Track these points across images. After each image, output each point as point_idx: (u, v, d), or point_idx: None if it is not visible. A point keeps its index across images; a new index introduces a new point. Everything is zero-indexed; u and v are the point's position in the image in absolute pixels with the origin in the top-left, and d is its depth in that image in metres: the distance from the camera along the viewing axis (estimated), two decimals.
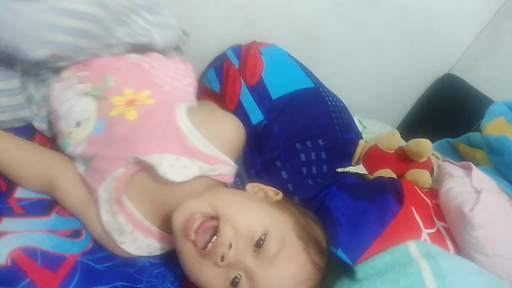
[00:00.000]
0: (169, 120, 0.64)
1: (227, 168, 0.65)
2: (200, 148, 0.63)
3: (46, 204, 0.65)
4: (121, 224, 0.61)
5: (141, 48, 0.78)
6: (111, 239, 0.62)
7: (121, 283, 0.59)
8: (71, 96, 0.69)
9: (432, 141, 1.09)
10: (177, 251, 0.59)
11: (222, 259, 0.53)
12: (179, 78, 0.77)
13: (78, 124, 0.67)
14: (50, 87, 0.73)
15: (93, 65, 0.73)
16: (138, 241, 0.62)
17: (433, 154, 0.98)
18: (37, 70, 0.71)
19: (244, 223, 0.55)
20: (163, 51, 0.82)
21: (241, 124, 0.69)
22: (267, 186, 0.68)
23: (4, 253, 0.53)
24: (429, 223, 0.73)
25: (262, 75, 0.93)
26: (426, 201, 0.77)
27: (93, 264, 0.59)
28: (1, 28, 0.61)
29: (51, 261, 0.55)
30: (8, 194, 0.63)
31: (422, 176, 0.83)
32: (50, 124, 0.75)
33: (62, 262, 0.56)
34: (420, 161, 0.87)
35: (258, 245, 0.54)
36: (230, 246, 0.53)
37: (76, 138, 0.66)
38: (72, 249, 0.59)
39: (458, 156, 1.03)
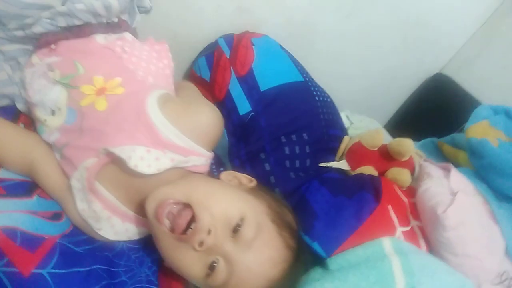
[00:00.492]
0: (140, 112, 0.63)
1: (201, 159, 0.65)
2: (172, 139, 0.62)
3: (28, 186, 0.66)
4: (97, 212, 0.62)
5: (109, 22, 0.74)
6: (89, 226, 0.63)
7: (99, 266, 0.60)
8: (43, 84, 0.68)
9: (419, 140, 1.12)
10: (154, 237, 0.60)
11: (201, 244, 0.54)
12: (154, 62, 0.75)
13: (52, 112, 0.67)
14: (23, 73, 0.72)
15: (60, 50, 0.71)
16: (116, 227, 0.64)
17: (417, 153, 0.99)
18: (8, 46, 0.70)
19: (220, 209, 0.57)
20: (128, 14, 0.78)
21: (219, 114, 0.68)
22: (240, 174, 0.69)
23: None
24: (404, 222, 0.75)
25: (252, 66, 0.93)
26: (403, 200, 0.79)
27: (72, 247, 0.60)
28: None
29: (31, 241, 0.57)
30: None
31: (402, 175, 0.84)
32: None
33: (41, 243, 0.57)
34: (402, 160, 0.88)
35: (235, 230, 0.56)
36: (209, 232, 0.55)
37: (50, 126, 0.67)
38: (52, 231, 0.61)
39: (442, 156, 1.05)
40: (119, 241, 0.66)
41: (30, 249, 0.56)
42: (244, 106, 0.89)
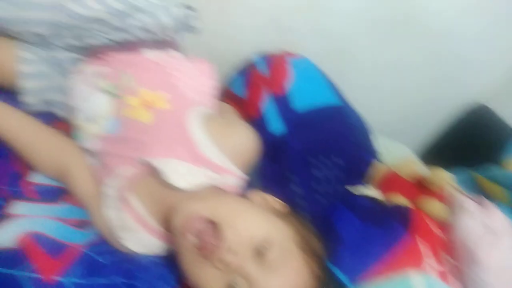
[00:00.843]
0: (182, 127, 0.64)
1: (235, 179, 0.65)
2: (209, 157, 0.63)
3: (58, 192, 0.67)
4: (125, 221, 0.62)
5: (156, 38, 0.77)
6: (115, 235, 0.63)
7: (120, 278, 0.59)
8: (89, 91, 0.70)
9: (453, 172, 1.07)
10: (177, 252, 0.60)
11: (222, 262, 0.54)
12: (199, 80, 0.77)
13: (92, 119, 0.68)
14: (70, 80, 0.74)
15: (111, 61, 0.73)
16: (142, 239, 0.63)
17: (451, 185, 0.95)
18: (62, 53, 0.73)
19: (245, 229, 0.56)
20: (176, 33, 0.80)
21: (256, 137, 0.68)
22: (270, 196, 0.68)
23: (13, 236, 0.55)
24: (436, 256, 0.71)
25: (289, 86, 0.93)
26: (435, 233, 0.75)
27: (95, 257, 0.60)
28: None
29: (56, 248, 0.57)
30: (22, 178, 0.65)
31: (435, 207, 0.81)
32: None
33: (66, 250, 0.58)
34: (436, 191, 0.85)
35: (259, 252, 0.55)
36: (232, 250, 0.54)
37: (89, 133, 0.68)
38: (77, 239, 0.61)
39: (477, 189, 1.00)
40: (142, 255, 0.65)
41: (55, 256, 0.56)
42: (276, 126, 0.88)
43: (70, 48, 0.72)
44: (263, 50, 1.04)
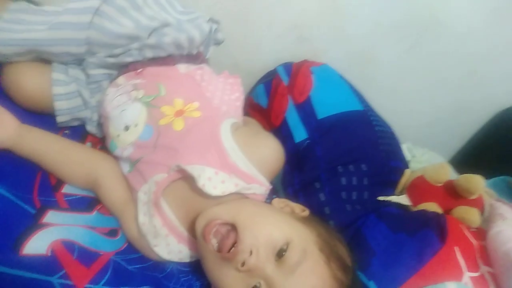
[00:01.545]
0: (214, 135, 0.66)
1: (261, 188, 0.66)
2: (239, 165, 0.64)
3: (90, 202, 0.69)
4: (156, 227, 0.63)
5: (189, 54, 0.80)
6: (145, 242, 0.64)
7: (148, 286, 0.60)
8: (124, 101, 0.73)
9: (488, 178, 1.04)
10: (200, 256, 0.60)
11: (242, 265, 0.54)
12: (228, 93, 0.79)
13: (126, 128, 0.70)
14: (103, 91, 0.77)
15: (146, 74, 0.76)
16: (171, 246, 0.64)
17: (486, 192, 0.91)
18: (90, 70, 0.76)
19: (265, 232, 0.56)
20: (205, 46, 0.83)
21: (282, 148, 0.69)
22: (293, 203, 0.68)
23: (46, 244, 0.56)
24: (473, 266, 0.68)
25: (310, 94, 0.92)
26: (472, 242, 0.72)
27: (124, 264, 0.61)
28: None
29: (87, 256, 0.58)
30: (57, 189, 0.67)
31: (470, 215, 0.77)
32: (100, 127, 0.80)
33: (96, 258, 0.59)
34: (470, 198, 0.81)
35: (280, 254, 0.55)
36: (251, 253, 0.54)
37: (123, 141, 0.70)
38: (107, 247, 0.62)
39: None
40: (169, 263, 0.66)
41: (86, 264, 0.57)
42: (300, 134, 0.88)
43: (104, 65, 0.75)
44: (285, 59, 1.05)
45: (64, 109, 0.76)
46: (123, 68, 0.76)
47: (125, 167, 0.70)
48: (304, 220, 0.64)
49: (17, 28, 0.69)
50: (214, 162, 0.63)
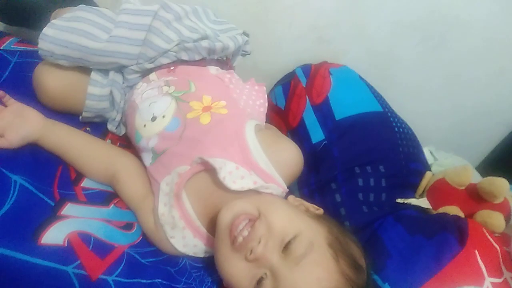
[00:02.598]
0: (238, 132, 0.67)
1: (279, 189, 0.66)
2: (260, 163, 0.65)
3: (107, 196, 0.70)
4: (175, 219, 0.64)
5: (219, 58, 0.84)
6: (161, 233, 0.65)
7: (161, 280, 0.61)
8: (154, 94, 0.75)
9: None
10: (214, 249, 0.61)
11: (251, 252, 0.55)
12: (253, 98, 0.81)
13: (153, 118, 0.72)
14: (135, 85, 0.80)
15: (178, 71, 0.79)
16: (187, 239, 0.65)
17: (510, 195, 0.88)
18: (128, 75, 0.80)
19: (279, 223, 0.57)
20: (233, 55, 0.86)
21: (301, 154, 0.69)
22: (308, 203, 0.68)
23: (63, 234, 0.58)
24: (496, 272, 0.65)
25: (328, 95, 0.92)
26: (495, 247, 0.69)
27: (138, 257, 0.62)
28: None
29: (102, 248, 0.59)
30: (76, 183, 0.69)
31: (494, 219, 0.74)
32: (120, 126, 0.84)
33: (111, 251, 0.60)
34: (494, 202, 0.78)
35: (287, 246, 0.56)
36: (260, 241, 0.55)
37: (149, 131, 0.72)
38: (122, 240, 0.63)
39: None
40: (182, 257, 0.66)
41: (100, 255, 0.58)
42: (317, 135, 0.87)
43: (142, 70, 0.79)
44: (305, 60, 1.05)
45: (93, 108, 0.80)
46: (157, 66, 0.80)
47: (148, 160, 0.71)
48: (317, 217, 0.64)
49: (75, 28, 0.71)
50: (236, 157, 0.65)
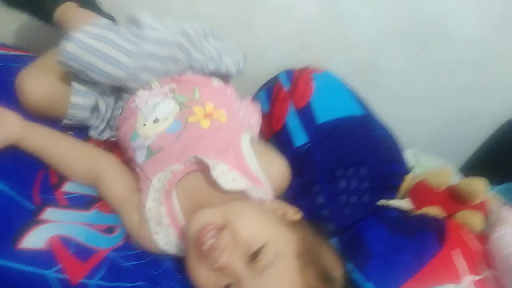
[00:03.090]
0: (234, 138, 0.70)
1: (268, 196, 0.67)
2: (252, 169, 0.67)
3: (89, 200, 0.70)
4: (161, 215, 0.65)
5: (220, 77, 0.87)
6: (145, 230, 0.65)
7: (143, 283, 0.60)
8: (160, 98, 0.77)
9: (497, 185, 1.02)
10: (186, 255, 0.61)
11: (215, 262, 0.54)
12: (249, 115, 0.85)
13: (155, 120, 0.74)
14: (135, 93, 0.81)
15: (182, 79, 0.81)
16: (170, 237, 0.65)
17: (492, 197, 0.90)
18: (121, 92, 0.82)
19: (245, 233, 0.56)
20: (232, 75, 0.90)
21: (289, 169, 0.71)
22: (287, 206, 0.67)
23: (44, 238, 0.57)
24: (474, 270, 0.67)
25: (311, 99, 0.93)
26: (474, 246, 0.71)
27: (120, 261, 0.61)
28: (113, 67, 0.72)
29: (83, 252, 0.59)
30: (57, 187, 0.68)
31: (473, 219, 0.76)
32: (103, 132, 0.85)
33: (93, 254, 0.59)
34: (473, 202, 0.80)
35: (255, 256, 0.55)
36: (224, 251, 0.55)
37: (148, 131, 0.73)
38: (104, 244, 0.63)
39: None
40: (166, 260, 0.66)
41: (82, 259, 0.58)
42: (300, 138, 0.88)
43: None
44: (288, 65, 1.06)
45: (75, 117, 0.80)
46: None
47: (141, 157, 0.72)
48: (292, 224, 0.63)
49: (100, 51, 0.70)
50: (230, 160, 0.66)
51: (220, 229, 0.58)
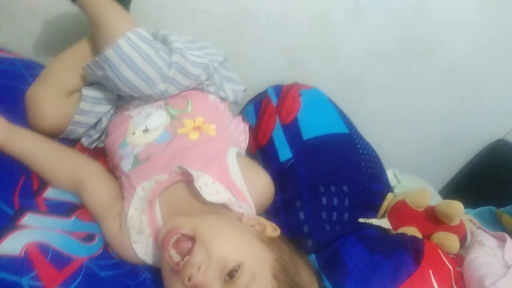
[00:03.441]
0: (221, 152, 0.70)
1: (250, 212, 0.67)
2: (236, 183, 0.67)
3: (69, 207, 0.69)
4: (143, 224, 0.65)
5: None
6: (124, 238, 0.65)
7: None
8: (153, 109, 0.78)
9: (476, 208, 1.04)
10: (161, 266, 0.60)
11: (188, 279, 0.54)
12: (237, 133, 0.85)
13: (146, 130, 0.75)
14: (131, 101, 0.82)
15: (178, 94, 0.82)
16: (149, 247, 0.65)
17: (469, 220, 0.92)
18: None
19: (218, 250, 0.56)
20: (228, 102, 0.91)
21: (273, 185, 0.71)
22: (267, 221, 0.68)
23: (20, 245, 0.56)
24: None
25: (297, 115, 0.94)
26: (448, 267, 0.72)
27: (97, 270, 0.61)
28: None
29: (60, 260, 0.58)
30: (38, 192, 0.68)
31: (449, 240, 0.77)
32: (93, 142, 0.85)
33: (69, 263, 0.59)
34: (451, 224, 0.81)
35: (231, 275, 0.55)
36: (199, 269, 0.54)
37: (137, 140, 0.74)
38: (81, 252, 0.62)
39: (499, 226, 0.96)
40: (143, 271, 0.66)
41: (58, 267, 0.57)
42: (285, 153, 0.89)
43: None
44: (277, 80, 1.07)
45: (73, 133, 0.81)
46: None
47: (127, 165, 0.72)
48: (270, 241, 0.63)
49: (136, 65, 0.70)
50: (215, 173, 0.67)
51: (189, 238, 0.57)
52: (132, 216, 0.65)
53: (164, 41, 0.79)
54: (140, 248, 0.65)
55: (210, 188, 0.64)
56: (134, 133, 0.75)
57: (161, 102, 0.80)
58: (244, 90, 0.93)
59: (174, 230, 0.58)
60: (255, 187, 0.68)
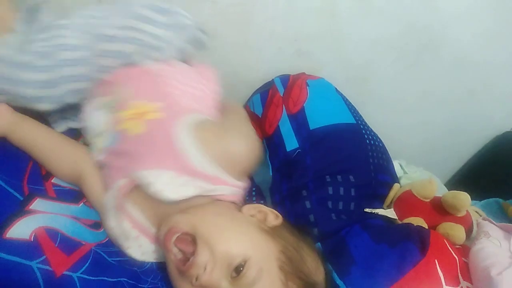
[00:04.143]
0: (169, 138, 0.63)
1: (230, 189, 0.65)
2: (199, 167, 0.61)
3: (77, 194, 0.70)
4: (126, 230, 0.64)
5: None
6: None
7: (126, 279, 0.61)
8: (92, 110, 0.73)
9: (481, 199, 1.03)
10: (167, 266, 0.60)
11: (196, 279, 0.54)
12: (200, 87, 0.76)
13: (97, 135, 0.71)
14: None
15: (114, 77, 0.73)
16: (143, 247, 0.65)
17: (476, 211, 0.91)
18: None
19: (222, 248, 0.55)
20: (180, 56, 0.78)
21: (255, 145, 0.66)
22: (268, 208, 0.66)
23: (30, 229, 0.58)
24: (453, 281, 0.68)
25: (304, 105, 0.94)
26: (454, 257, 0.72)
27: (105, 256, 0.62)
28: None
29: (68, 245, 0.60)
30: (47, 178, 0.69)
31: (455, 231, 0.77)
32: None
33: (78, 248, 0.60)
34: (457, 215, 0.81)
35: (238, 271, 0.54)
36: (205, 268, 0.54)
37: (96, 147, 0.71)
38: (89, 238, 0.63)
39: (506, 218, 0.95)
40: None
41: (66, 252, 0.58)
42: (291, 143, 0.89)
43: None
44: (284, 71, 1.07)
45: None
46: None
47: (101, 172, 0.70)
48: (272, 231, 0.62)
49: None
50: (172, 165, 0.62)
51: (187, 234, 0.57)
52: (112, 226, 0.64)
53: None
54: (135, 251, 0.65)
55: (173, 185, 0.60)
56: (93, 142, 0.72)
57: (100, 101, 0.72)
58: (199, 31, 0.76)
59: (173, 229, 0.57)
60: (227, 158, 0.62)
